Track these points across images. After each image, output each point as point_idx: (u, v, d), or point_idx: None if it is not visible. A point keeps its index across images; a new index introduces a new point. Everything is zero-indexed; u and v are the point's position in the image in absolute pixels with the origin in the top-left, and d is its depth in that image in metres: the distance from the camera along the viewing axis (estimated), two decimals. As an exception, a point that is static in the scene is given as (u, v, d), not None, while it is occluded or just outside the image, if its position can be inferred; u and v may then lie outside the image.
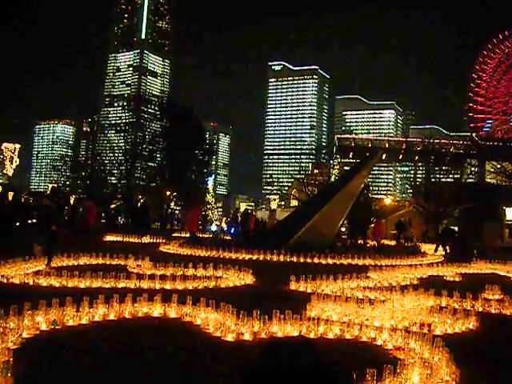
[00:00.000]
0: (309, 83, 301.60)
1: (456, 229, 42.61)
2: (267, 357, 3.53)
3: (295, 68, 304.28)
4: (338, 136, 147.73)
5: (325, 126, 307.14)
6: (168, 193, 57.13)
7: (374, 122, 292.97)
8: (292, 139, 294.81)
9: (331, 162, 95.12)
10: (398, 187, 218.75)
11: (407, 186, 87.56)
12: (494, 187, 66.97)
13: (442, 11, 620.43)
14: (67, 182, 64.90)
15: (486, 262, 21.23)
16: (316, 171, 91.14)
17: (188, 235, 32.39)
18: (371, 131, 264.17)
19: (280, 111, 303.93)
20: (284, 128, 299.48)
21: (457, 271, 18.00)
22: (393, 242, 37.69)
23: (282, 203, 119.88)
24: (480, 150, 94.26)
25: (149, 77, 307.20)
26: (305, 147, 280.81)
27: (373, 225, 41.13)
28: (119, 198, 58.18)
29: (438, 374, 5.40)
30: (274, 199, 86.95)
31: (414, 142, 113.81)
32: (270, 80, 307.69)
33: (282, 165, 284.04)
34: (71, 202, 46.33)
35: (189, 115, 59.34)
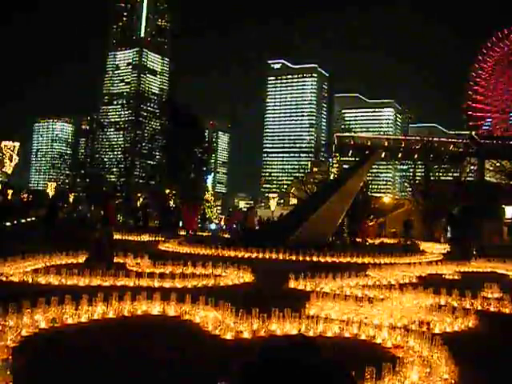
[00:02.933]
0: (308, 81, 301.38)
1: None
2: (268, 355, 3.53)
3: (294, 66, 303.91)
4: (337, 134, 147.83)
5: (324, 124, 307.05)
6: (167, 191, 57.10)
7: (374, 120, 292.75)
8: (291, 137, 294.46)
9: (330, 160, 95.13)
10: (397, 185, 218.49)
11: (406, 184, 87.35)
12: (494, 186, 66.96)
13: (442, 10, 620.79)
14: (66, 181, 64.94)
15: (485, 260, 21.22)
16: (315, 169, 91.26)
17: (185, 233, 32.22)
18: (370, 129, 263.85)
19: (279, 109, 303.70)
20: (283, 126, 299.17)
21: (456, 269, 18.00)
22: (392, 241, 37.65)
23: (281, 201, 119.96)
24: (479, 148, 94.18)
25: (148, 75, 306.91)
26: (304, 145, 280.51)
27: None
28: (118, 196, 58.19)
29: (436, 372, 5.40)
30: (273, 197, 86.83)
31: (413, 140, 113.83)
32: (270, 78, 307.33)
33: (281, 163, 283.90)
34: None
35: (188, 113, 59.26)
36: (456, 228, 26.49)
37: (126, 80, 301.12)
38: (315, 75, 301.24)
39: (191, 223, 32.84)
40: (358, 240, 32.99)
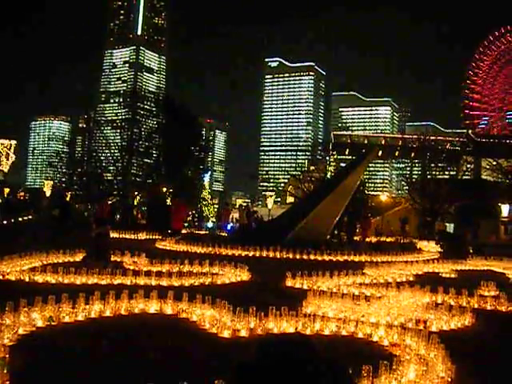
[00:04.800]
0: (305, 80, 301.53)
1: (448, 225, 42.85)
2: (264, 353, 3.53)
3: (291, 64, 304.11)
4: (334, 133, 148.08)
5: (321, 122, 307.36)
6: (164, 189, 57.04)
7: (370, 118, 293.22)
8: (288, 136, 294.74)
9: (327, 158, 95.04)
10: (394, 184, 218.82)
11: (403, 182, 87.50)
12: (490, 184, 67.10)
13: (440, 9, 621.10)
14: (63, 179, 64.75)
15: (481, 258, 21.27)
16: (312, 168, 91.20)
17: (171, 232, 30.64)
18: (367, 128, 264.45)
19: (276, 108, 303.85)
20: (280, 124, 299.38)
21: (452, 268, 18.03)
22: (389, 239, 37.68)
23: (278, 200, 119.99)
24: (476, 146, 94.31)
25: (145, 73, 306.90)
26: (301, 144, 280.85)
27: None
28: (115, 195, 58.14)
29: (433, 370, 5.40)
30: (270, 196, 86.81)
31: (410, 138, 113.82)
32: (267, 76, 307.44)
33: (278, 161, 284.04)
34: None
35: (185, 112, 59.17)
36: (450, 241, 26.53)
37: (123, 78, 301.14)
38: (312, 73, 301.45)
39: (177, 222, 31.44)
40: (355, 238, 33.00)
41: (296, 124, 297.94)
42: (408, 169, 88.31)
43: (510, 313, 10.13)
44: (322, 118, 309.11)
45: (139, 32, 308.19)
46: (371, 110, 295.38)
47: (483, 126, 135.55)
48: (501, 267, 19.32)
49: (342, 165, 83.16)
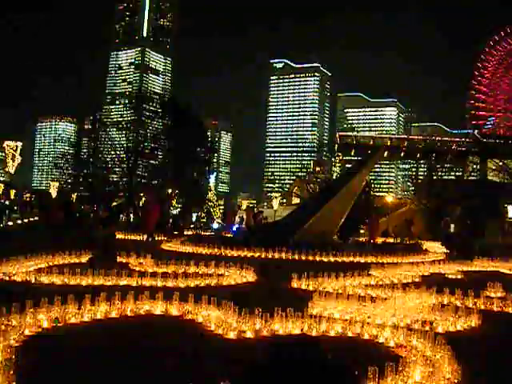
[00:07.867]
0: (310, 81, 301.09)
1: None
2: (272, 355, 3.53)
3: (297, 66, 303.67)
4: (340, 134, 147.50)
5: (326, 123, 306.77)
6: (169, 191, 57.07)
7: (376, 119, 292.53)
8: (294, 137, 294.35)
9: (333, 159, 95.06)
10: (399, 185, 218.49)
11: (409, 183, 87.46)
12: (496, 185, 66.87)
13: (444, 8, 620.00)
14: (69, 180, 64.93)
15: (488, 259, 21.18)
16: (318, 169, 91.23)
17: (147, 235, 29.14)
18: (373, 129, 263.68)
19: (282, 109, 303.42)
20: (285, 126, 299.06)
21: (459, 269, 17.99)
22: (394, 240, 37.57)
23: (284, 201, 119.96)
24: (482, 147, 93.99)
25: (150, 74, 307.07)
26: (306, 145, 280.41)
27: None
28: (121, 196, 58.26)
29: (439, 371, 5.39)
30: (276, 197, 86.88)
31: (415, 139, 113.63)
32: (272, 78, 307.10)
33: (283, 162, 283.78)
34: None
35: (190, 113, 59.24)
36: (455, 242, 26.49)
37: (129, 80, 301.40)
38: (318, 74, 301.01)
39: (149, 224, 30.42)
40: (361, 239, 32.87)
41: (301, 125, 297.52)
42: (414, 170, 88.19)
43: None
44: (327, 119, 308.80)
45: (145, 33, 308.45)
46: (377, 111, 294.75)
47: (489, 126, 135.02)
48: (507, 268, 19.24)
49: (348, 166, 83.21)
